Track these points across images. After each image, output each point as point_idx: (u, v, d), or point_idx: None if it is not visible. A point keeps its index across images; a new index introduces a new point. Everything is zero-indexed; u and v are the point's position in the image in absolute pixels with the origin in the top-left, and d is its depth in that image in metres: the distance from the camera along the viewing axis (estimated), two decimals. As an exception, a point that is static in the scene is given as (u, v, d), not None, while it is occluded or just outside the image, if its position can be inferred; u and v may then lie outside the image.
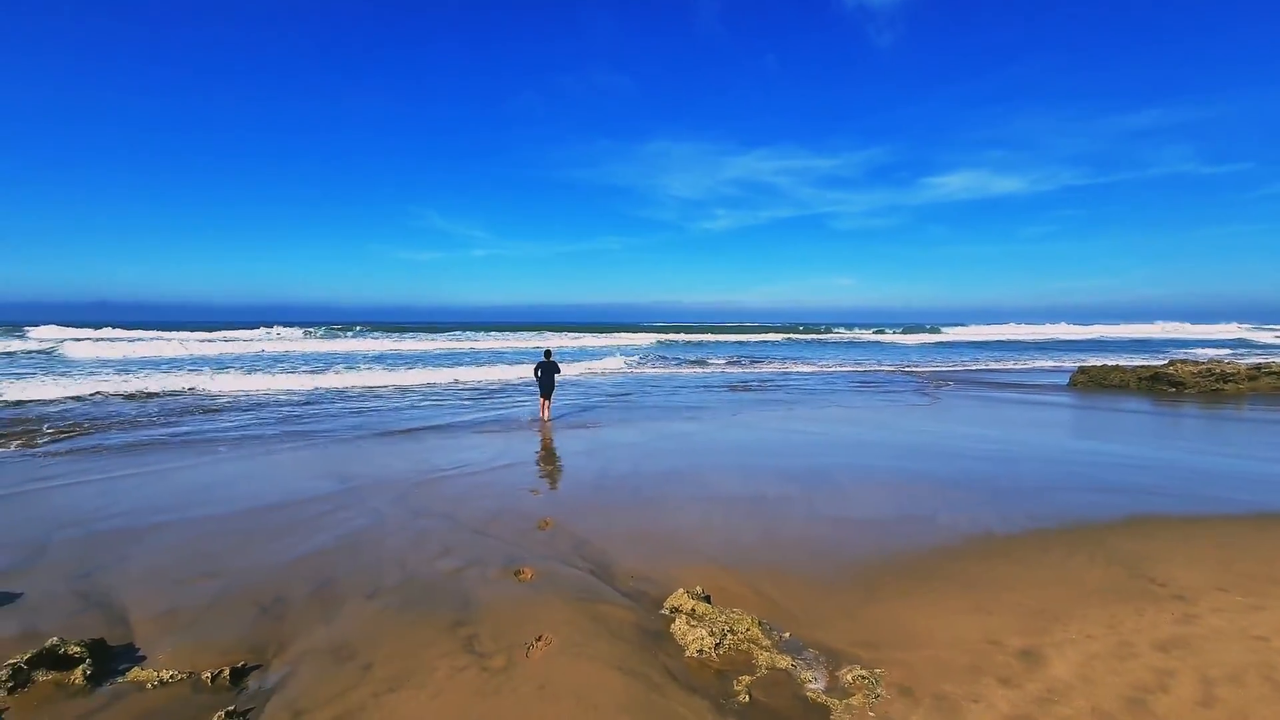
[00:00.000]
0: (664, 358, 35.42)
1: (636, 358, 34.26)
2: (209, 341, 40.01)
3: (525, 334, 64.98)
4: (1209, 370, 19.73)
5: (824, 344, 56.64)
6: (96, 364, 27.14)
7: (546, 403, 14.42)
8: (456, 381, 22.22)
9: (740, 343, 56.20)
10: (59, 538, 6.59)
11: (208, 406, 15.89)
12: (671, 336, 64.49)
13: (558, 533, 6.70)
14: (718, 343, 56.18)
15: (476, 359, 31.33)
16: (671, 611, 4.59)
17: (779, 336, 66.96)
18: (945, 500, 7.71)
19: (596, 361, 29.91)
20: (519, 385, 21.13)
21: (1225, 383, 19.31)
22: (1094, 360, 26.01)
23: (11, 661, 3.84)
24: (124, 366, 25.70)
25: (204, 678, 3.87)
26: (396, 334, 56.95)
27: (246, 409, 15.63)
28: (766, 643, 4.07)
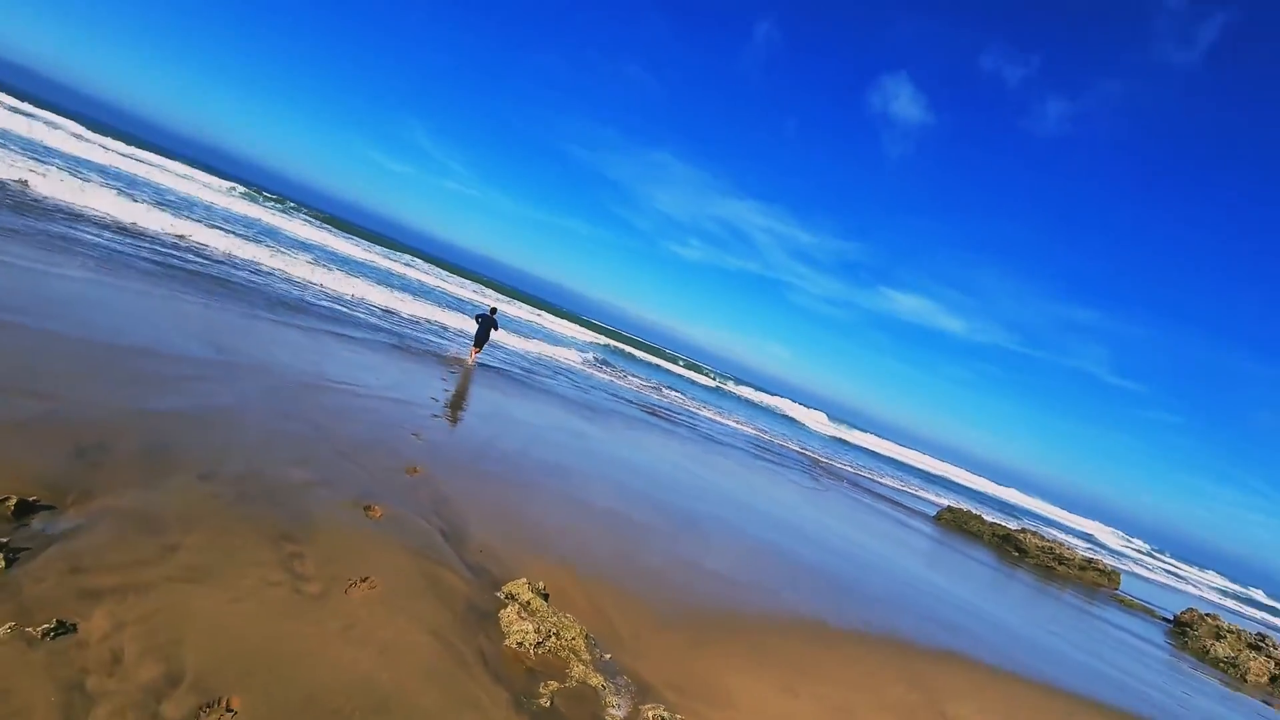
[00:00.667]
0: (607, 364, 35.31)
1: (590, 355, 34.59)
2: (129, 158, 36.28)
3: (489, 289, 63.08)
4: (1050, 549, 21.68)
5: (749, 402, 58.18)
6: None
7: (476, 350, 15.60)
8: (390, 311, 21.16)
9: (669, 371, 56.76)
10: None
11: (80, 214, 14.39)
12: (624, 346, 63.82)
13: (422, 482, 6.47)
14: (657, 366, 56.27)
15: (429, 294, 29.92)
16: (507, 597, 4.51)
17: (709, 380, 68.07)
18: (795, 581, 8.03)
19: (553, 347, 29.91)
20: (455, 333, 20.45)
21: (1060, 564, 21.27)
22: (963, 504, 28.03)
23: None
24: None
25: (-19, 499, 3.44)
26: (345, 233, 53.60)
27: (131, 235, 14.27)
28: (587, 657, 4.07)
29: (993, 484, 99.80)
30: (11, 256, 8.82)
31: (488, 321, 15.62)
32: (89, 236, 12.25)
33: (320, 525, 4.64)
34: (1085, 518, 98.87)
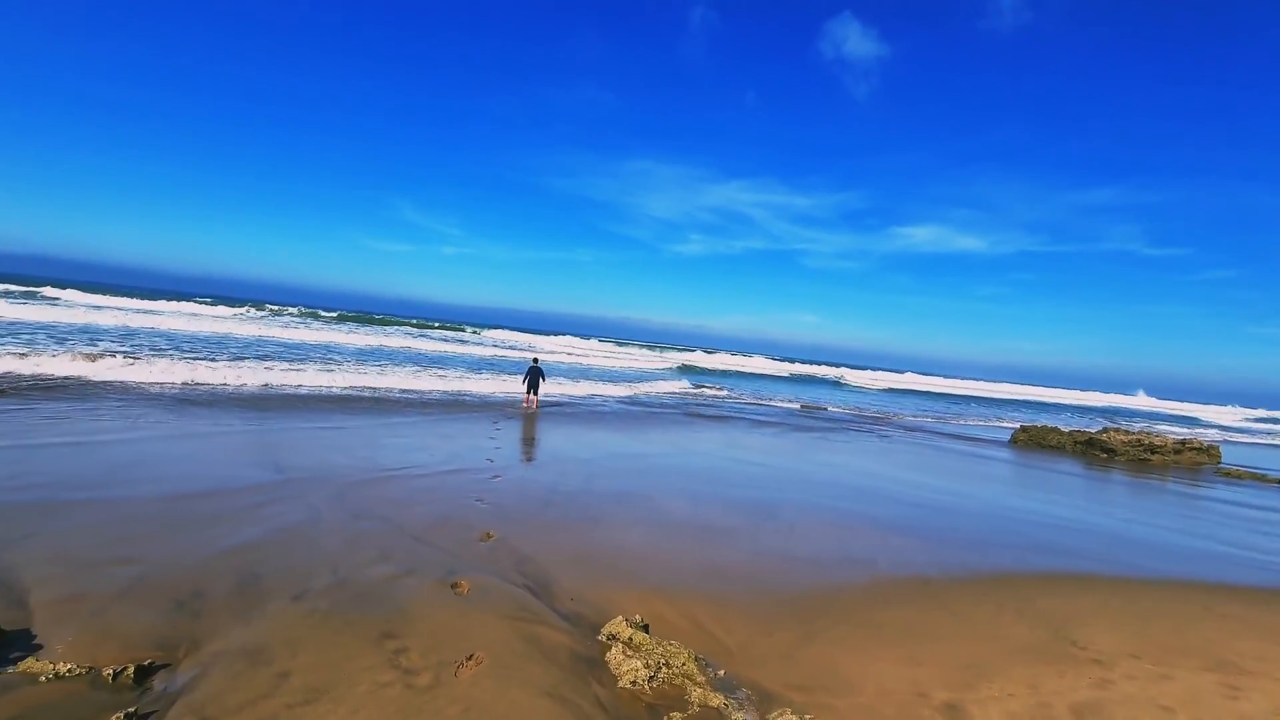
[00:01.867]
0: (700, 386, 35.02)
1: (687, 382, 34.52)
2: (150, 312, 38.11)
3: (531, 336, 64.66)
4: (1138, 440, 20.79)
5: (804, 378, 57.50)
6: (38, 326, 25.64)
7: (530, 396, 18.21)
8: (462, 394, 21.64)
9: (758, 375, 55.88)
10: (-40, 506, 6.14)
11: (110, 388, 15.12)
12: (693, 361, 62.99)
13: (500, 546, 6.57)
14: (739, 373, 55.24)
15: (471, 365, 30.36)
16: (609, 639, 4.53)
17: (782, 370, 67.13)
18: (887, 545, 7.87)
19: (647, 384, 30.85)
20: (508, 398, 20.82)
21: (1153, 454, 20.37)
22: (1037, 420, 27.12)
23: (-113, 641, 3.53)
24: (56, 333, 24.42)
25: (105, 674, 3.62)
26: (373, 326, 55.00)
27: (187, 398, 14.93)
28: (701, 679, 4.05)
29: (1067, 391, 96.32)
30: (78, 435, 9.33)
31: (534, 371, 18.39)
32: (198, 409, 12.88)
33: (415, 614, 4.75)
34: (1179, 401, 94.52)
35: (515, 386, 20.48)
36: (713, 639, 4.85)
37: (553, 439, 13.87)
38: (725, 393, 31.99)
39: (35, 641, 3.99)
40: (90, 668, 3.68)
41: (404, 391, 18.53)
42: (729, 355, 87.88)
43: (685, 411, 21.76)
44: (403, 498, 7.99)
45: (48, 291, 45.55)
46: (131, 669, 3.67)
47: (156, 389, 14.21)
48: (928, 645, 5.05)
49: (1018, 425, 24.42)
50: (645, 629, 4.67)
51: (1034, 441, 22.10)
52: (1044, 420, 29.06)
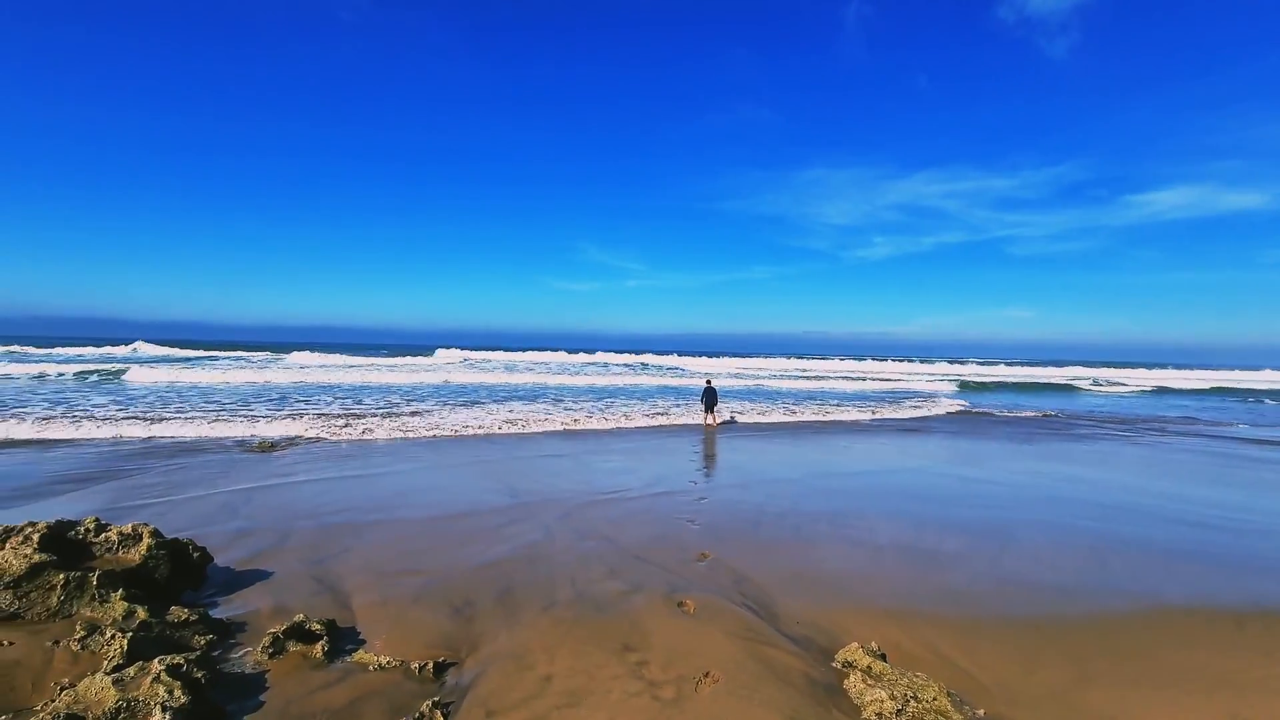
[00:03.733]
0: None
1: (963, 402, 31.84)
2: (413, 369, 45.35)
3: (708, 359, 67.16)
4: None
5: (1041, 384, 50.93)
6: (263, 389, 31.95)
7: (709, 416, 18.98)
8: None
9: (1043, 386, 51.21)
10: (299, 527, 7.85)
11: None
12: (964, 373, 59.55)
13: (716, 565, 6.69)
14: (1015, 384, 50.10)
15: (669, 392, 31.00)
16: (845, 666, 4.37)
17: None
18: (1169, 573, 6.56)
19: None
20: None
21: None
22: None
23: (272, 631, 4.63)
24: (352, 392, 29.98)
25: (413, 667, 4.38)
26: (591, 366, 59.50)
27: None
28: (958, 717, 3.72)
29: None
30: (372, 467, 11.46)
31: (710, 392, 19.20)
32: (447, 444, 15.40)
33: (649, 628, 5.02)
34: None
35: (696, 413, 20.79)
36: (962, 672, 4.43)
37: (749, 459, 13.82)
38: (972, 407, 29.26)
39: (360, 637, 4.95)
40: (402, 661, 4.48)
41: (609, 418, 19.85)
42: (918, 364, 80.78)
43: (900, 428, 20.32)
44: (619, 518, 8.52)
45: (294, 357, 52.12)
46: (432, 664, 4.39)
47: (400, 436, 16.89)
48: (1255, 699, 4.09)
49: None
50: (883, 658, 4.43)
51: (1380, 441, 16.88)
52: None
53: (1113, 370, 74.17)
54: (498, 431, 16.60)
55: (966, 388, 41.93)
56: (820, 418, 21.77)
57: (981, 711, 3.92)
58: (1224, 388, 48.95)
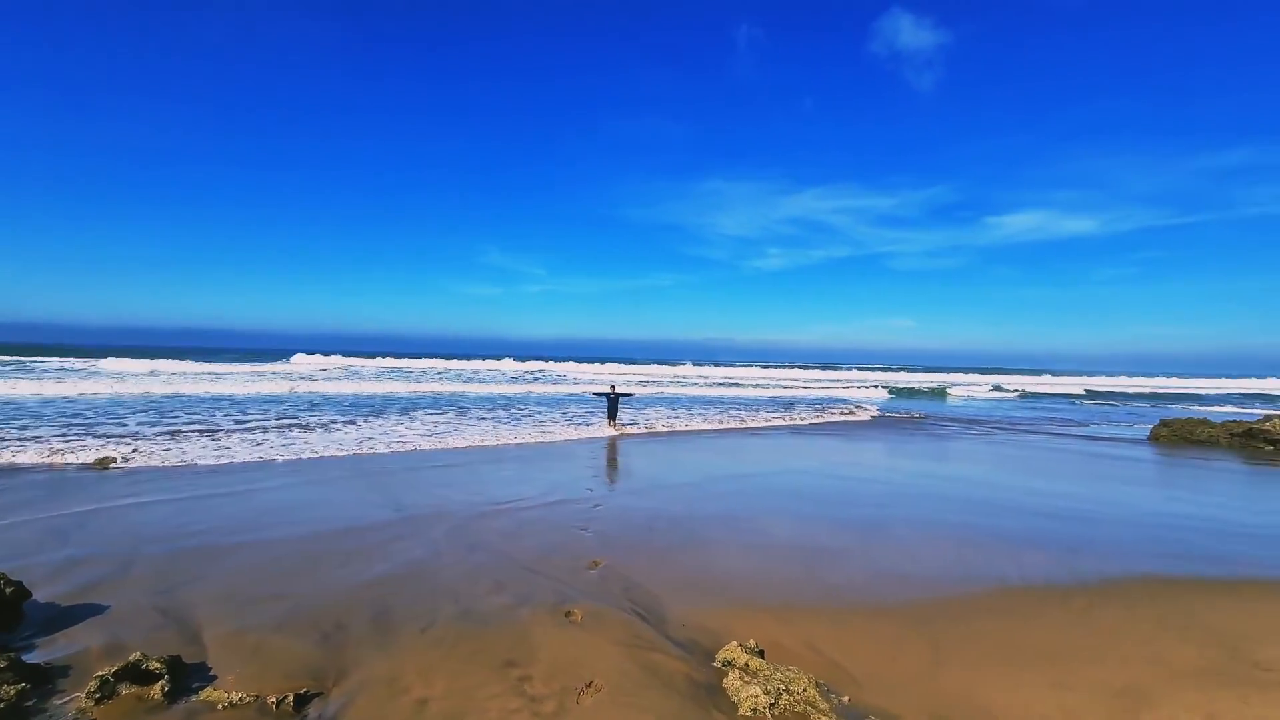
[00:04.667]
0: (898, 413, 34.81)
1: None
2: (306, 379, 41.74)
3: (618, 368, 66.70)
4: (1314, 428, 18.09)
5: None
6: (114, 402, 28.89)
7: (611, 422, 18.74)
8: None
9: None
10: (145, 553, 7.01)
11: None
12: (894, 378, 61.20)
13: (608, 573, 6.67)
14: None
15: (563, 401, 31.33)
16: (724, 665, 4.48)
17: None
18: (1016, 561, 7.28)
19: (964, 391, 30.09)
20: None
21: (1334, 443, 17.65)
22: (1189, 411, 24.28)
23: (100, 674, 4.08)
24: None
25: (269, 702, 4.01)
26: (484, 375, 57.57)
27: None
28: (824, 706, 3.91)
29: (1216, 380, 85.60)
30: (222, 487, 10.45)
31: (613, 399, 18.97)
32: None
33: (534, 642, 4.91)
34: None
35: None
36: (833, 664, 4.67)
37: (647, 465, 13.98)
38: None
39: (210, 672, 4.47)
40: (257, 696, 4.08)
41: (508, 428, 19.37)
42: (819, 370, 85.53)
43: (794, 431, 21.29)
44: (512, 529, 8.31)
45: (109, 364, 43.00)
46: (291, 697, 4.04)
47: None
48: (1076, 668, 4.61)
49: (1157, 420, 21.94)
50: (761, 654, 4.58)
51: (1179, 436, 19.78)
52: (1195, 412, 25.93)
53: (981, 375, 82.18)
54: (382, 443, 15.70)
55: (850, 390, 44.85)
56: (719, 424, 22.40)
57: (846, 698, 4.14)
58: (1064, 393, 55.53)
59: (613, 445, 16.38)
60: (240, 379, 34.96)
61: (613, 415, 18.86)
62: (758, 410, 27.67)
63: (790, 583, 6.48)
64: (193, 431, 16.15)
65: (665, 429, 20.02)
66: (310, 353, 68.62)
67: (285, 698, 4.03)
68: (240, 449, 13.88)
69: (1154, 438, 20.23)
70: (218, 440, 14.90)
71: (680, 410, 26.57)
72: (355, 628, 5.23)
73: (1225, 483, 13.25)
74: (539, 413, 23.39)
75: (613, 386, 20.08)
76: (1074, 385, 64.19)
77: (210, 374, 38.56)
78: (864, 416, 26.59)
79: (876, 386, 50.45)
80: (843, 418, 25.81)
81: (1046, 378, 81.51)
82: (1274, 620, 5.52)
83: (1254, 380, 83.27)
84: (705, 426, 21.33)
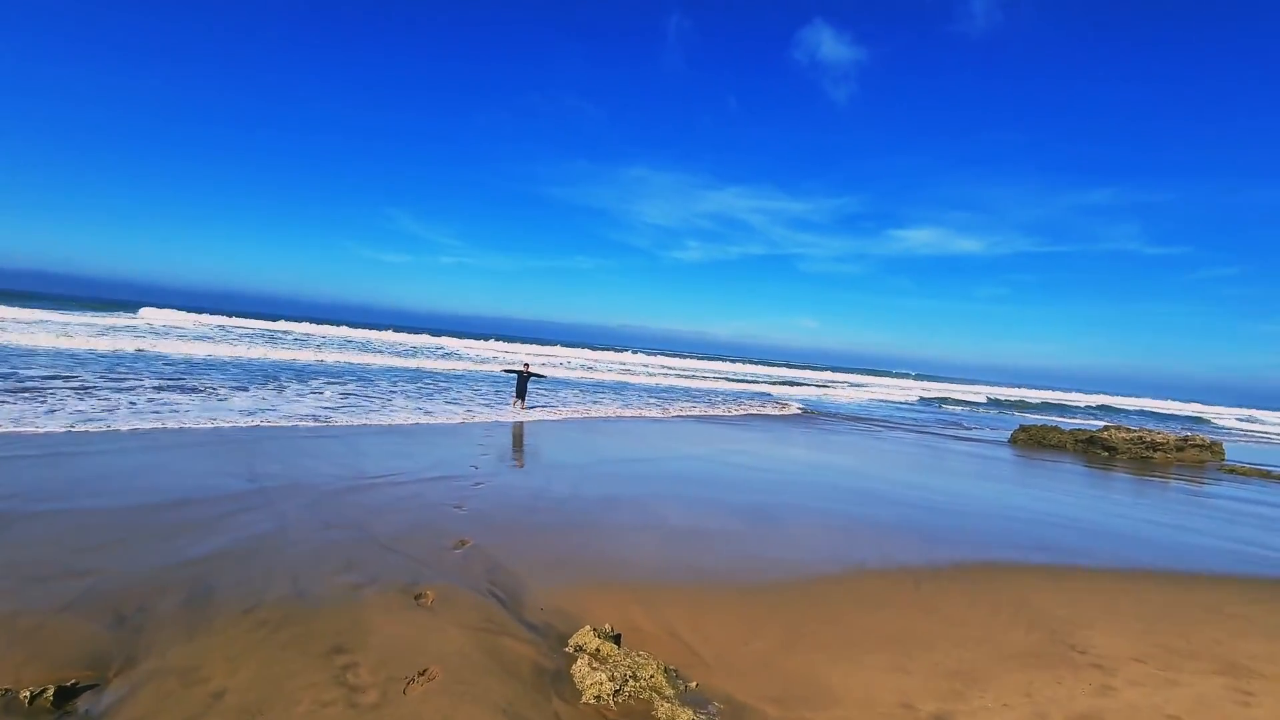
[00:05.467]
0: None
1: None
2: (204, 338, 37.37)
3: (521, 347, 64.00)
4: (1140, 438, 20.48)
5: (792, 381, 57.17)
6: None
7: (519, 402, 18.00)
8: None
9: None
10: (-93, 520, 5.89)
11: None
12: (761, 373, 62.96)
13: (473, 553, 6.30)
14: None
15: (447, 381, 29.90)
16: (576, 650, 4.26)
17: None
18: (878, 547, 7.58)
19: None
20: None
21: (1155, 451, 20.05)
22: (1045, 421, 26.79)
23: None
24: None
25: (21, 696, 3.36)
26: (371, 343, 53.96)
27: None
28: (670, 692, 3.78)
29: (1077, 394, 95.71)
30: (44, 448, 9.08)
31: (523, 377, 18.15)
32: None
33: (371, 627, 4.48)
34: (1182, 401, 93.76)
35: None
36: (688, 649, 4.57)
37: (544, 445, 13.61)
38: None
39: (-42, 662, 3.73)
40: (6, 690, 3.41)
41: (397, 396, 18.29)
42: (727, 363, 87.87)
43: (699, 420, 21.46)
44: (380, 505, 7.72)
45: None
46: (51, 690, 3.41)
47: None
48: (917, 651, 4.77)
49: (1017, 425, 24.09)
50: (616, 639, 4.40)
51: (1034, 440, 21.79)
52: (1053, 420, 28.75)
53: (873, 377, 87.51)
54: (258, 414, 14.32)
55: (736, 383, 46.32)
56: (637, 411, 22.27)
57: (695, 684, 4.03)
58: (943, 396, 60.14)
59: (516, 426, 15.77)
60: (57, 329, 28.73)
61: (521, 395, 18.07)
62: (674, 400, 27.86)
63: (661, 565, 6.37)
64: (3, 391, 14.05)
65: (574, 413, 19.58)
66: (161, 307, 60.29)
67: (44, 691, 3.39)
68: (68, 408, 12.18)
69: (1013, 440, 22.17)
70: (44, 401, 13.02)
71: (594, 395, 26.25)
72: (162, 610, 4.57)
73: (1065, 482, 14.65)
74: (445, 390, 22.33)
75: (526, 365, 19.10)
76: (977, 393, 69.63)
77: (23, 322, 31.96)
78: (788, 412, 27.38)
79: (743, 380, 52.30)
80: (764, 412, 26.45)
81: (955, 385, 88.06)
82: (1095, 608, 6.01)
83: (1102, 395, 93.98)
84: (615, 412, 21.14)
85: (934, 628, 5.22)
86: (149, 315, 52.07)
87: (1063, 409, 55.90)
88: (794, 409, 28.63)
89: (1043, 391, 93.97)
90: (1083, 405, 67.23)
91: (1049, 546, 8.26)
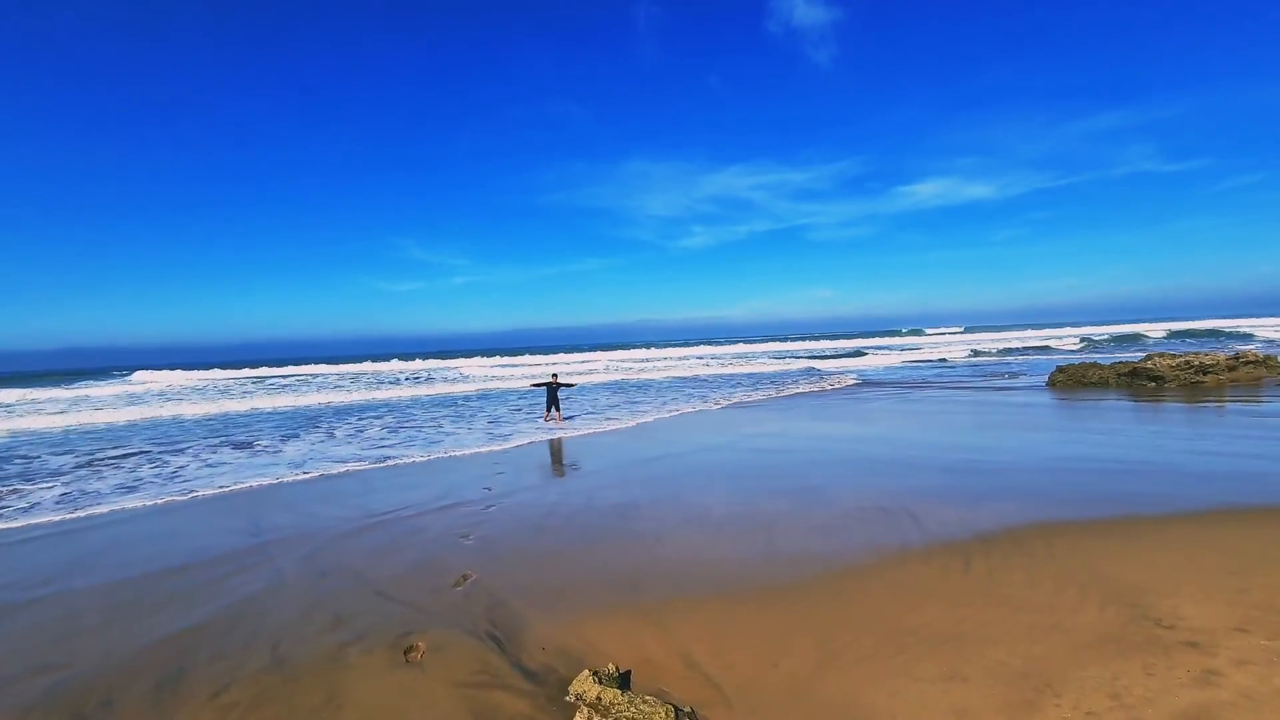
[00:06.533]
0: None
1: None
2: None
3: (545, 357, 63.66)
4: (1187, 363, 19.26)
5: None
6: None
7: (551, 414, 17.54)
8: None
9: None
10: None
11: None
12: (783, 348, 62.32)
13: (474, 589, 5.79)
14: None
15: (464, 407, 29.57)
16: (575, 699, 3.71)
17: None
18: (919, 524, 6.88)
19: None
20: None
21: (1205, 374, 18.85)
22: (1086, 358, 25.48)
23: None
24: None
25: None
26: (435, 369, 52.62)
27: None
28: (684, 744, 3.21)
29: (1113, 326, 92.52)
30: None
31: (552, 389, 17.69)
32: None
33: (351, 694, 3.99)
34: (1222, 318, 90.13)
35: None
36: (707, 680, 3.98)
37: (566, 455, 13.11)
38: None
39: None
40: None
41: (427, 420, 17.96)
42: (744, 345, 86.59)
43: (718, 406, 20.79)
44: (380, 546, 7.29)
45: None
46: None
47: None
48: (974, 651, 4.11)
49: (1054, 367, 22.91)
50: (622, 680, 3.84)
51: (1073, 381, 20.66)
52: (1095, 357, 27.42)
53: (892, 338, 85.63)
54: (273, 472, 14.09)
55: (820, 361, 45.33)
56: (674, 411, 21.72)
57: (714, 729, 3.45)
58: (973, 347, 58.36)
59: (555, 441, 14.65)
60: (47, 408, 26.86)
61: (552, 406, 17.55)
62: (712, 390, 27.19)
63: (677, 576, 5.79)
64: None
65: (603, 417, 19.04)
66: (158, 368, 58.75)
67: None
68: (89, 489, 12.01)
69: (1051, 384, 21.06)
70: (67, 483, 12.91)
71: (623, 395, 25.63)
72: (126, 702, 4.15)
73: (1113, 421, 13.67)
74: (443, 416, 21.97)
75: (555, 376, 18.42)
76: (977, 341, 67.59)
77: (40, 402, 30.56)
78: (840, 385, 26.29)
79: (766, 358, 51.12)
80: (810, 389, 25.54)
81: (959, 334, 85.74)
82: (1173, 568, 5.26)
83: (1143, 324, 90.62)
84: (646, 412, 20.61)
85: (991, 617, 4.55)
86: (144, 378, 51.69)
87: (1096, 345, 53.77)
88: (849, 381, 27.64)
89: (1072, 329, 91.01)
90: (1116, 334, 64.68)
91: (1108, 497, 7.48)
